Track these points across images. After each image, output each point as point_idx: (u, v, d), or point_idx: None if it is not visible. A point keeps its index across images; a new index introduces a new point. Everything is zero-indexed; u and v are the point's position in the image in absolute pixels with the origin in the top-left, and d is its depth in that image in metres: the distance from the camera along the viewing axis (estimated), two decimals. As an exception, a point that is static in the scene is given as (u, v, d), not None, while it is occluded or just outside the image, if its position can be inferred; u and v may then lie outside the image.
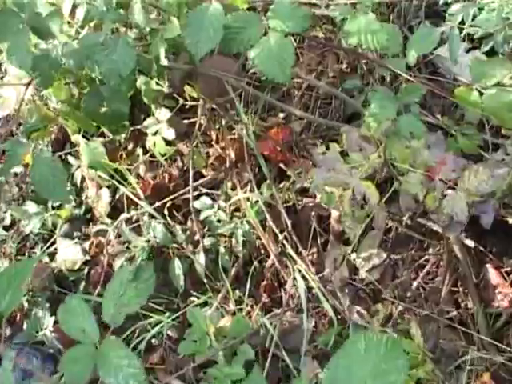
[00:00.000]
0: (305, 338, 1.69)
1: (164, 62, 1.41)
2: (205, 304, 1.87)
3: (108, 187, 2.07)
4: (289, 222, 1.78)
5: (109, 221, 2.02)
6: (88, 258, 2.01)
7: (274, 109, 1.98)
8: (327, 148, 1.30)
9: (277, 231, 1.80)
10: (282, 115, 1.94)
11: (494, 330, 1.65)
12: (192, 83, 1.80)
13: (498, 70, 1.40)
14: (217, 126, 1.89)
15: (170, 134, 1.81)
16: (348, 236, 1.77)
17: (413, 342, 1.37)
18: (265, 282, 1.84)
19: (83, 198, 2.12)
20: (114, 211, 2.06)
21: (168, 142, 1.88)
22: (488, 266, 1.71)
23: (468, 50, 1.81)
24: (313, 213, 1.84)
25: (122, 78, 1.32)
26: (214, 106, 1.83)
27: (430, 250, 1.73)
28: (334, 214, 1.74)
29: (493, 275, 1.70)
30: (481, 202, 1.22)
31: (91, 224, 2.08)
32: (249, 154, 1.86)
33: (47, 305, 1.99)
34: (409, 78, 1.42)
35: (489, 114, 1.39)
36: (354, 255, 1.79)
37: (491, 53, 1.90)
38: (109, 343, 0.96)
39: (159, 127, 1.82)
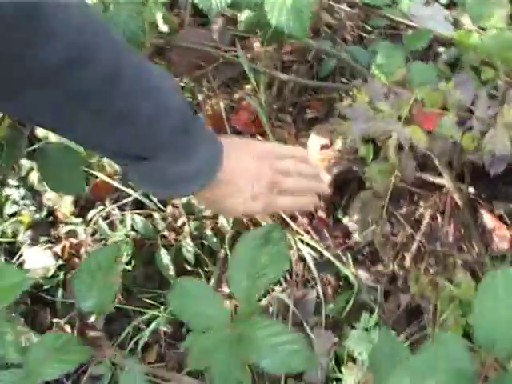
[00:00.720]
0: (323, 307, 1.64)
1: (163, 28, 1.31)
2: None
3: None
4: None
5: (76, 220, 1.89)
6: (61, 262, 1.87)
7: (238, 82, 1.92)
8: (353, 100, 1.25)
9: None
10: (249, 86, 1.88)
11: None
12: (160, 60, 1.71)
13: (496, 10, 1.39)
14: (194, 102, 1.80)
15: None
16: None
17: (469, 287, 1.34)
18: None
19: (43, 201, 1.97)
20: (79, 210, 1.94)
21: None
22: (482, 211, 1.72)
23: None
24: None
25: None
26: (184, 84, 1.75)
27: (422, 203, 1.73)
28: (325, 179, 1.70)
29: (488, 220, 1.71)
30: (521, 135, 1.20)
31: (61, 226, 1.93)
32: (226, 129, 1.79)
33: (22, 320, 1.84)
34: (412, 24, 1.39)
35: (491, 54, 1.38)
36: (346, 219, 1.77)
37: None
38: (251, 322, 0.84)
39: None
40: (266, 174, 1.02)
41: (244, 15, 1.46)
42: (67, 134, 0.93)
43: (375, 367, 0.82)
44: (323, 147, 1.57)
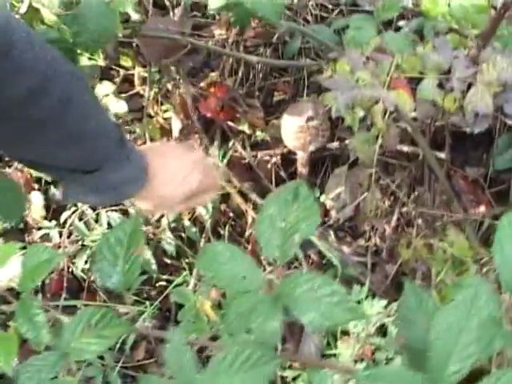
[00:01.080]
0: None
1: (135, 17, 1.29)
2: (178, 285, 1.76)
3: (38, 190, 1.89)
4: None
5: (49, 224, 1.85)
6: (38, 267, 1.82)
7: (202, 71, 1.90)
8: (333, 72, 1.25)
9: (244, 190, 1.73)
10: (213, 74, 1.86)
11: (479, 236, 1.68)
12: (126, 51, 1.68)
13: (461, -25, 1.42)
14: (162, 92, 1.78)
15: (122, 107, 1.65)
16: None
17: (463, 245, 1.35)
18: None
19: (12, 207, 1.92)
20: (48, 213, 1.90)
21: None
22: (456, 177, 1.74)
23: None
24: (273, 162, 1.80)
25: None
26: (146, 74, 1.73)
27: (396, 174, 1.74)
28: (301, 158, 1.70)
29: (462, 185, 1.73)
30: (502, 91, 1.22)
31: (34, 231, 1.88)
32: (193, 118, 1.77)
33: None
34: None
35: (459, 19, 1.41)
36: (323, 197, 1.77)
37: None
38: (289, 280, 0.82)
39: (105, 102, 1.66)
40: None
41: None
42: (21, 157, 1.06)
43: (405, 320, 0.82)
44: (308, 120, 1.56)
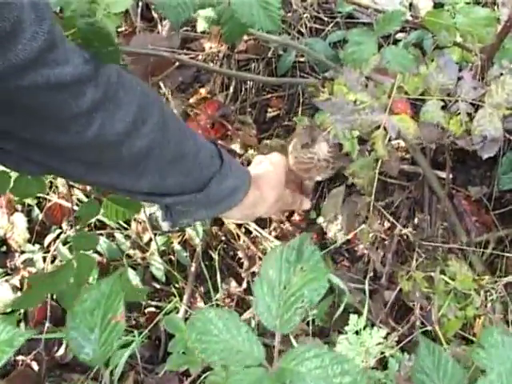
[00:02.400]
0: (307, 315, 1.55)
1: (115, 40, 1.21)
2: (169, 312, 1.68)
3: (21, 211, 1.81)
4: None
5: (33, 247, 1.77)
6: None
7: (192, 86, 1.82)
8: (330, 93, 1.17)
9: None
10: (203, 90, 1.78)
11: (485, 259, 1.60)
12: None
13: (466, -14, 1.34)
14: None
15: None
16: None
17: (466, 278, 1.27)
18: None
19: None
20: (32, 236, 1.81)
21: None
22: (458, 197, 1.66)
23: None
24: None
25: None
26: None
27: (397, 195, 1.66)
28: (306, 187, 1.61)
29: (465, 206, 1.65)
30: (511, 114, 1.14)
31: (16, 255, 1.80)
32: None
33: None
34: (379, 8, 1.32)
35: (464, 33, 1.32)
36: (319, 219, 1.69)
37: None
38: (293, 356, 0.73)
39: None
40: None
41: (204, 14, 1.37)
42: (138, 190, 1.12)
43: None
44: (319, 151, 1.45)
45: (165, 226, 1.21)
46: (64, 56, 0.89)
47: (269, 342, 1.36)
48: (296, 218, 1.70)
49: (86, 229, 1.72)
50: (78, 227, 1.50)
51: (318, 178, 1.53)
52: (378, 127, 1.11)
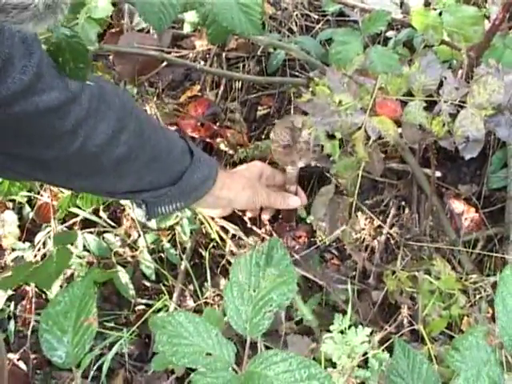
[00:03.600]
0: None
1: (95, 45, 1.21)
2: (159, 309, 1.68)
3: (12, 209, 1.81)
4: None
5: (23, 245, 1.77)
6: (11, 292, 1.74)
7: (182, 84, 1.82)
8: (312, 94, 1.16)
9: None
10: (194, 88, 1.78)
11: (474, 257, 1.60)
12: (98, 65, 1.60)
13: (452, -16, 1.33)
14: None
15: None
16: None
17: (449, 278, 1.27)
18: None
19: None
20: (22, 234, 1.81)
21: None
22: (447, 195, 1.66)
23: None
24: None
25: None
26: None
27: (386, 193, 1.66)
28: (289, 174, 1.61)
29: (455, 204, 1.65)
30: (493, 115, 1.14)
31: (6, 253, 1.80)
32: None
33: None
34: (366, 7, 1.32)
35: (451, 32, 1.32)
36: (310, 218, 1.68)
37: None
38: (261, 360, 0.73)
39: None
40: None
41: (189, 16, 1.37)
42: (113, 191, 1.24)
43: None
44: (299, 134, 1.45)
45: (141, 216, 1.33)
46: (50, 82, 0.94)
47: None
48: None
49: (76, 227, 1.73)
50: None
51: (301, 164, 1.53)
52: (359, 128, 1.11)
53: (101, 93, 1.06)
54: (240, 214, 1.61)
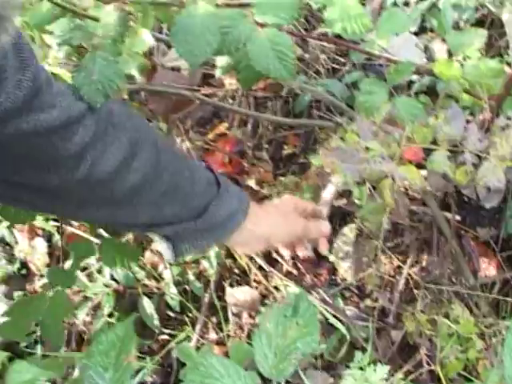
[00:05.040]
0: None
1: (138, 79, 1.27)
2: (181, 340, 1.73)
3: (42, 236, 1.87)
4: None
5: (51, 272, 1.82)
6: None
7: (211, 121, 1.88)
8: (342, 140, 1.22)
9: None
10: (222, 126, 1.84)
11: (491, 300, 1.63)
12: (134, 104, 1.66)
13: (475, 38, 1.38)
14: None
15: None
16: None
17: (467, 323, 1.31)
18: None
19: (15, 253, 1.90)
20: (51, 260, 1.87)
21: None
22: (466, 238, 1.70)
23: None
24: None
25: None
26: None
27: (405, 235, 1.70)
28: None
29: (473, 247, 1.69)
30: (515, 166, 1.18)
31: (36, 279, 1.86)
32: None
33: (-1, 380, 1.75)
34: (391, 57, 1.37)
35: (473, 83, 1.37)
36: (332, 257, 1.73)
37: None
38: None
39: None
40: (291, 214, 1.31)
41: (221, 60, 1.42)
42: (134, 223, 1.12)
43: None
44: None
45: (168, 256, 1.18)
46: (51, 100, 0.88)
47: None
48: (307, 252, 1.74)
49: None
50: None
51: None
52: (387, 176, 1.16)
53: (110, 115, 1.00)
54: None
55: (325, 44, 1.79)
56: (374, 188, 1.27)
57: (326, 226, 1.38)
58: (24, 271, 1.90)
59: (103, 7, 1.21)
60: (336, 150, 1.21)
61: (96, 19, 1.28)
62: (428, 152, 1.27)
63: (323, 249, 1.37)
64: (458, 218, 1.64)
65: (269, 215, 1.27)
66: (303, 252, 1.65)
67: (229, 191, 1.18)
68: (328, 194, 1.54)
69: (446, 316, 1.36)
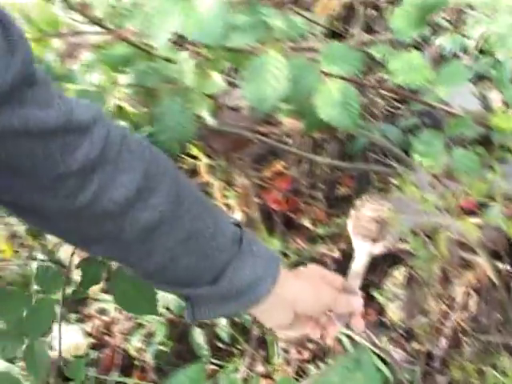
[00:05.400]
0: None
1: (211, 121, 1.33)
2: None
3: (99, 260, 1.93)
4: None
5: (107, 296, 1.88)
6: (93, 340, 1.85)
7: (267, 158, 1.93)
8: (399, 189, 1.26)
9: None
10: (278, 164, 1.89)
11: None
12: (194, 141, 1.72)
13: (533, 92, 1.41)
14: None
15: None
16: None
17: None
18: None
19: (71, 276, 1.96)
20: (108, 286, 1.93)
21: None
22: (515, 287, 1.72)
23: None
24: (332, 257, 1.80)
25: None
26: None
27: (456, 280, 1.72)
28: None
29: (523, 296, 1.70)
30: None
31: (90, 302, 1.92)
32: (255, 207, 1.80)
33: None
34: (452, 111, 1.41)
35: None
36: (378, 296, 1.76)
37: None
38: None
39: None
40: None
41: (284, 104, 1.47)
42: (140, 264, 0.95)
43: None
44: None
45: (186, 315, 1.02)
46: (47, 98, 0.78)
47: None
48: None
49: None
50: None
51: (375, 251, 1.57)
52: (442, 228, 1.20)
53: (124, 138, 0.87)
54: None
55: (384, 92, 1.84)
56: (428, 237, 1.30)
57: (357, 301, 1.13)
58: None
59: (179, 52, 1.28)
60: (393, 200, 1.25)
61: (171, 61, 1.35)
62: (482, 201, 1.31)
63: (358, 327, 1.14)
64: (508, 267, 1.66)
65: (296, 278, 1.07)
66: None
67: (253, 251, 0.99)
68: (359, 265, 1.37)
69: (494, 367, 1.38)
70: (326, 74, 1.25)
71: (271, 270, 0.99)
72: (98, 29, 1.42)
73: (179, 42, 1.31)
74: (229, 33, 1.16)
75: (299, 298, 1.04)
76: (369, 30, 2.11)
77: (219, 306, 0.98)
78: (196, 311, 0.99)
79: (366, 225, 1.50)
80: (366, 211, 1.54)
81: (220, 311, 0.99)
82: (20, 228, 2.01)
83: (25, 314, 1.40)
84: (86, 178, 0.81)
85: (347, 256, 1.79)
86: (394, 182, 1.34)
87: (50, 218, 0.85)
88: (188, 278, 0.95)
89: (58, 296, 1.90)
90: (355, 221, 1.55)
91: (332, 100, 1.23)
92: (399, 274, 1.72)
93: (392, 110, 1.92)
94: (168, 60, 1.36)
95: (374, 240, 1.52)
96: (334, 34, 2.07)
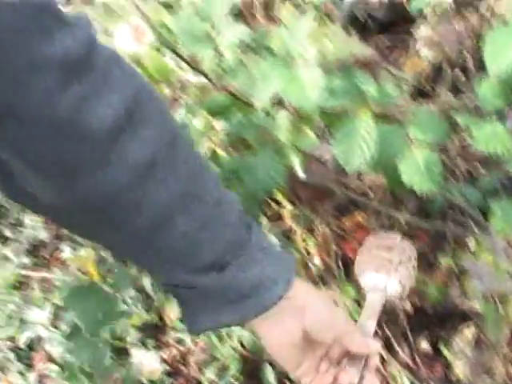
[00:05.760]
0: None
1: (302, 174, 1.42)
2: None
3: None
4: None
5: (183, 326, 1.97)
6: (168, 368, 1.95)
7: (349, 208, 2.00)
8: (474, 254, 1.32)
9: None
10: (358, 215, 1.96)
11: None
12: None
13: None
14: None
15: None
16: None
17: None
18: None
19: (153, 304, 2.07)
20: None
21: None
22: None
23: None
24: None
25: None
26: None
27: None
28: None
29: None
30: None
31: (169, 331, 2.02)
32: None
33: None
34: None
35: None
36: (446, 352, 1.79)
37: None
38: None
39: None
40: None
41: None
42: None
43: None
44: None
45: (187, 329, 0.89)
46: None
47: None
48: (425, 345, 1.82)
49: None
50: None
51: (390, 288, 1.31)
52: (512, 294, 1.25)
53: (118, 57, 0.76)
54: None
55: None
56: (499, 300, 1.35)
57: (375, 344, 0.96)
58: (159, 322, 2.07)
59: (277, 110, 1.37)
60: (470, 264, 1.31)
61: (267, 114, 1.45)
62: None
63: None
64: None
65: (310, 288, 0.92)
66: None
67: (263, 247, 0.85)
68: (373, 302, 1.11)
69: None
70: (412, 140, 1.33)
71: (284, 272, 0.85)
72: (203, 79, 1.54)
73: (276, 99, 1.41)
74: (325, 97, 1.26)
75: (311, 309, 0.88)
76: (455, 89, 2.17)
77: (218, 313, 0.83)
78: (193, 321, 0.86)
79: (376, 253, 1.18)
80: (376, 240, 1.31)
81: (220, 319, 0.84)
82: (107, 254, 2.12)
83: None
84: (67, 77, 0.67)
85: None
86: (469, 243, 1.40)
87: (24, 121, 0.67)
88: (185, 252, 0.80)
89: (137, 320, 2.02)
90: (363, 254, 1.27)
91: (416, 166, 1.30)
92: (468, 331, 1.76)
93: (473, 171, 1.96)
94: (265, 113, 1.46)
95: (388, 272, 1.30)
96: (421, 93, 2.14)
